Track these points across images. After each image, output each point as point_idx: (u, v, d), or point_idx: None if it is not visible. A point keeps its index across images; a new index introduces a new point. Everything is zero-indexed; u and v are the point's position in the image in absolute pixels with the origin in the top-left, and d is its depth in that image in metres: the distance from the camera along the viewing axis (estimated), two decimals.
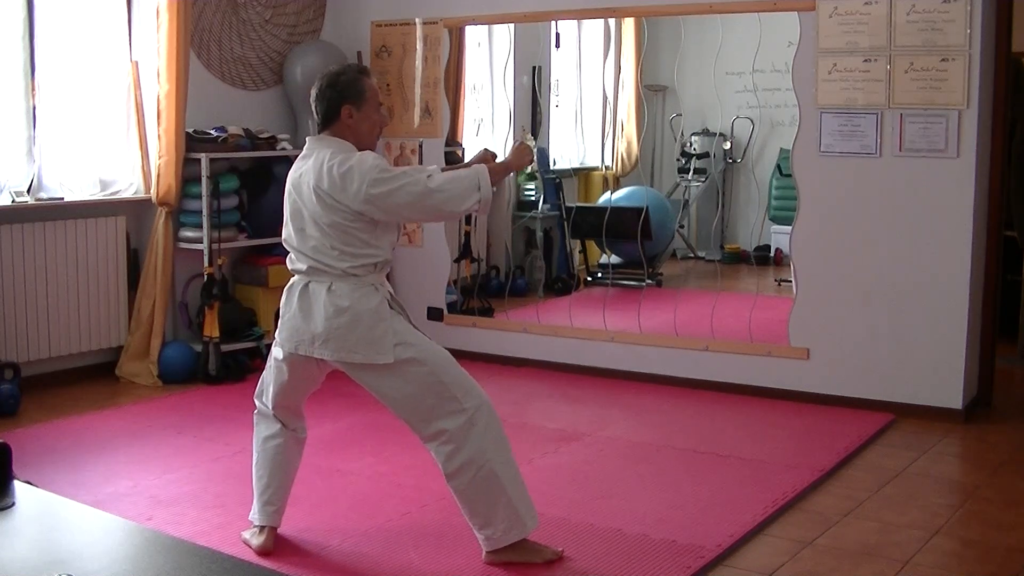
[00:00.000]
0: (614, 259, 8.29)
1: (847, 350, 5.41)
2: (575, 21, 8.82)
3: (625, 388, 5.85)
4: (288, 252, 3.54)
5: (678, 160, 10.01)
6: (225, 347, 6.01)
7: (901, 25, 5.12)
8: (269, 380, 3.62)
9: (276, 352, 3.56)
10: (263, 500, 3.63)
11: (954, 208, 5.11)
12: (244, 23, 6.46)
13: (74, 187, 5.77)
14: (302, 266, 3.44)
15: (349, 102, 3.41)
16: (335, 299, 3.37)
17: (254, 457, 3.69)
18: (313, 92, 3.47)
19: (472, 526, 3.49)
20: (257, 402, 3.72)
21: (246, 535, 3.68)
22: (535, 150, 3.08)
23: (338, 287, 3.38)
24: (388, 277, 3.63)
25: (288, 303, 3.47)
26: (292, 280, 3.51)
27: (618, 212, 7.75)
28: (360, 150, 3.42)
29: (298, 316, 3.42)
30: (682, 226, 9.54)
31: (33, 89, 5.53)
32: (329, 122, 3.45)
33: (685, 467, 4.56)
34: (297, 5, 6.74)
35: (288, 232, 3.50)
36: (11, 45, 5.43)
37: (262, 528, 3.62)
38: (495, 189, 3.52)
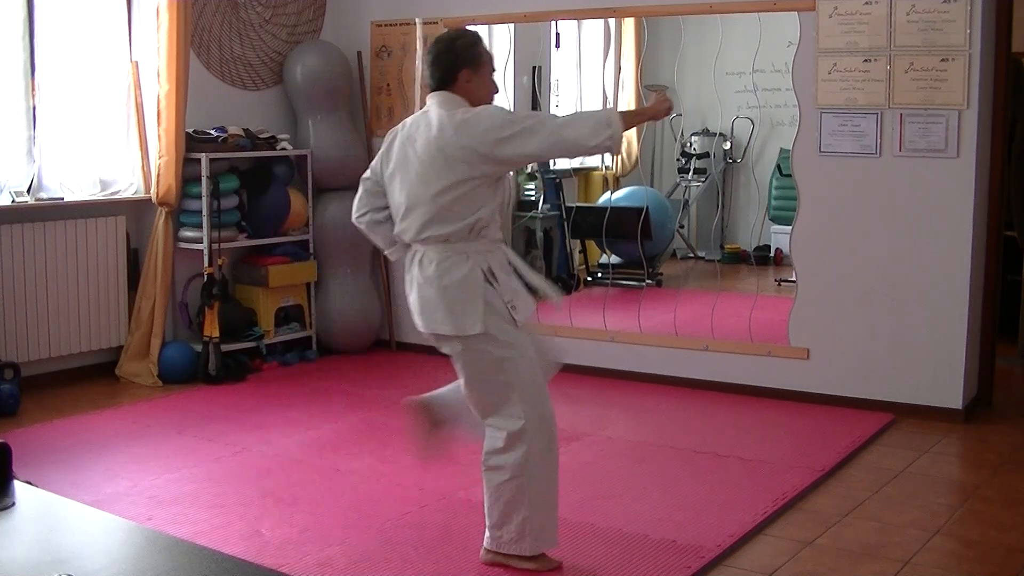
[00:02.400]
0: (614, 259, 8.29)
1: (847, 350, 5.41)
2: (575, 21, 8.81)
3: (625, 388, 5.85)
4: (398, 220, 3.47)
5: (678, 160, 10.01)
6: (225, 347, 6.01)
7: (901, 25, 5.12)
8: None
9: None
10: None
11: (954, 208, 5.11)
12: (244, 23, 6.46)
13: (74, 187, 5.77)
14: (406, 237, 3.42)
15: (467, 66, 3.38)
16: (425, 269, 3.36)
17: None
18: (428, 56, 3.42)
19: (486, 516, 3.47)
20: None
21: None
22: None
23: (430, 255, 3.36)
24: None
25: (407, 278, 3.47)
26: (409, 252, 3.47)
27: (618, 212, 7.75)
28: None
29: (408, 290, 3.44)
30: (682, 226, 9.54)
31: (33, 89, 5.53)
32: (445, 84, 3.39)
33: (685, 467, 4.56)
34: (297, 5, 6.74)
35: (395, 201, 3.45)
36: (11, 45, 5.43)
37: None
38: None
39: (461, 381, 3.44)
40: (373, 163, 3.60)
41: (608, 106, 9.57)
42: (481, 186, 3.33)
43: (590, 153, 3.49)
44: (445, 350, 3.44)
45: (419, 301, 3.40)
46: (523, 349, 3.39)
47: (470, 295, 3.32)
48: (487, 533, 3.49)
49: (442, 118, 3.32)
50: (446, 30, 3.52)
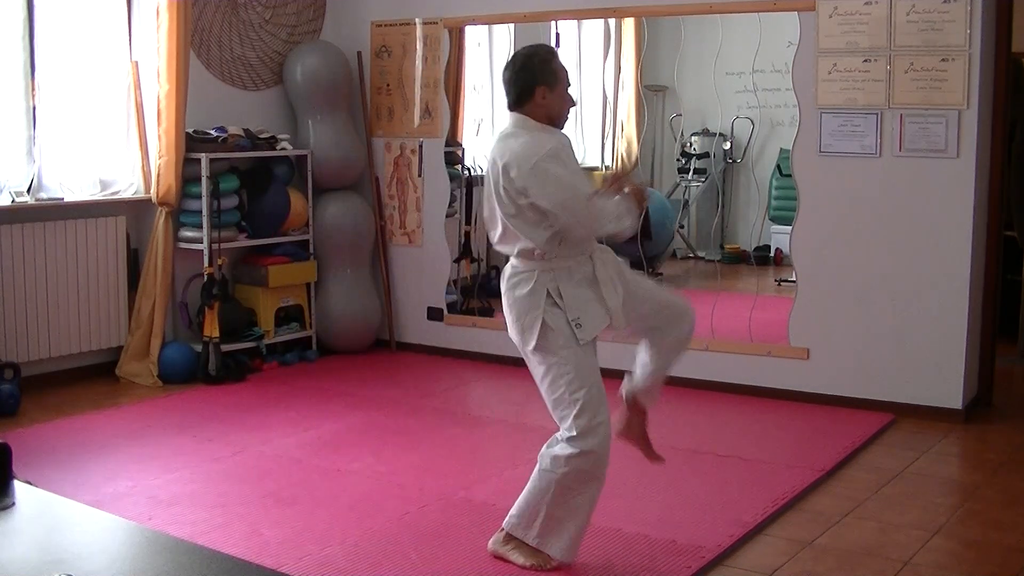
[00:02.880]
0: None
1: (847, 350, 5.41)
2: (575, 21, 8.81)
3: None
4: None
5: (678, 160, 10.01)
6: (225, 347, 6.01)
7: (901, 25, 5.12)
8: None
9: None
10: None
11: (954, 208, 5.11)
12: (244, 23, 6.46)
13: (74, 187, 5.77)
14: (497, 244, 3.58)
15: (544, 84, 3.44)
16: (503, 282, 3.53)
17: None
18: (505, 74, 3.50)
19: (515, 504, 3.51)
20: None
21: None
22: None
23: (506, 269, 3.54)
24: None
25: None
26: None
27: None
28: (550, 127, 3.49)
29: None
30: (682, 226, 9.53)
31: (33, 89, 5.53)
32: (522, 101, 3.46)
33: (685, 467, 4.56)
34: (297, 5, 6.74)
35: (487, 211, 3.58)
36: (11, 45, 5.43)
37: None
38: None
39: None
40: None
41: (607, 115, 9.56)
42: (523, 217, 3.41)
43: (597, 236, 3.57)
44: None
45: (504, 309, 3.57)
46: (579, 366, 3.43)
47: (531, 312, 3.42)
48: (507, 518, 3.52)
49: (503, 147, 3.44)
50: (524, 48, 3.61)
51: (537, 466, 3.48)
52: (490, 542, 3.58)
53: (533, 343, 3.41)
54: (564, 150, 3.45)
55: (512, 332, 3.51)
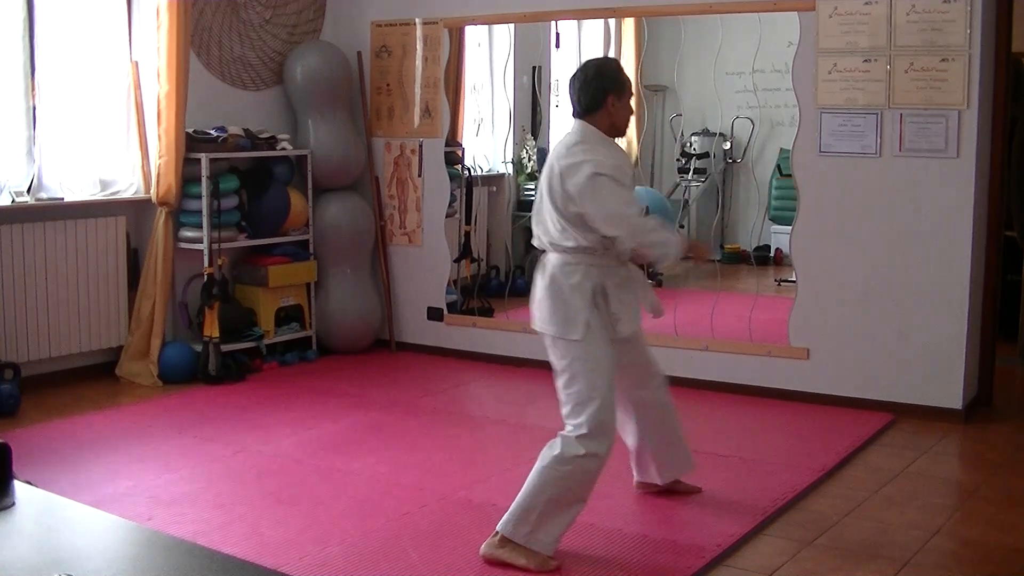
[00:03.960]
0: None
1: (847, 350, 5.41)
2: (575, 21, 8.81)
3: None
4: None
5: (678, 160, 10.01)
6: (225, 347, 6.01)
7: (901, 25, 5.12)
8: None
9: None
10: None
11: (954, 208, 5.11)
12: (244, 23, 6.46)
13: (74, 187, 5.77)
14: (540, 240, 3.68)
15: (614, 92, 3.62)
16: (546, 273, 3.62)
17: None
18: (577, 82, 3.66)
19: (511, 507, 3.53)
20: None
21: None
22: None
23: (552, 260, 3.62)
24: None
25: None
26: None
27: None
28: (613, 135, 3.69)
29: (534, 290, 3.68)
30: (682, 226, 9.53)
31: (33, 89, 5.53)
32: (592, 109, 3.63)
33: None
34: (297, 5, 6.74)
35: (535, 207, 3.73)
36: (11, 45, 5.43)
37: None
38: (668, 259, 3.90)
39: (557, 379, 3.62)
40: None
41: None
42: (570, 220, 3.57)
43: (633, 255, 3.76)
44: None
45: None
46: (604, 364, 3.55)
47: (575, 302, 3.55)
48: (503, 519, 3.52)
49: (563, 152, 3.59)
50: (595, 59, 3.85)
51: (538, 465, 3.51)
52: (483, 546, 3.55)
53: (577, 333, 3.51)
54: (622, 169, 3.63)
55: (546, 321, 3.59)
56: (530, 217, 8.61)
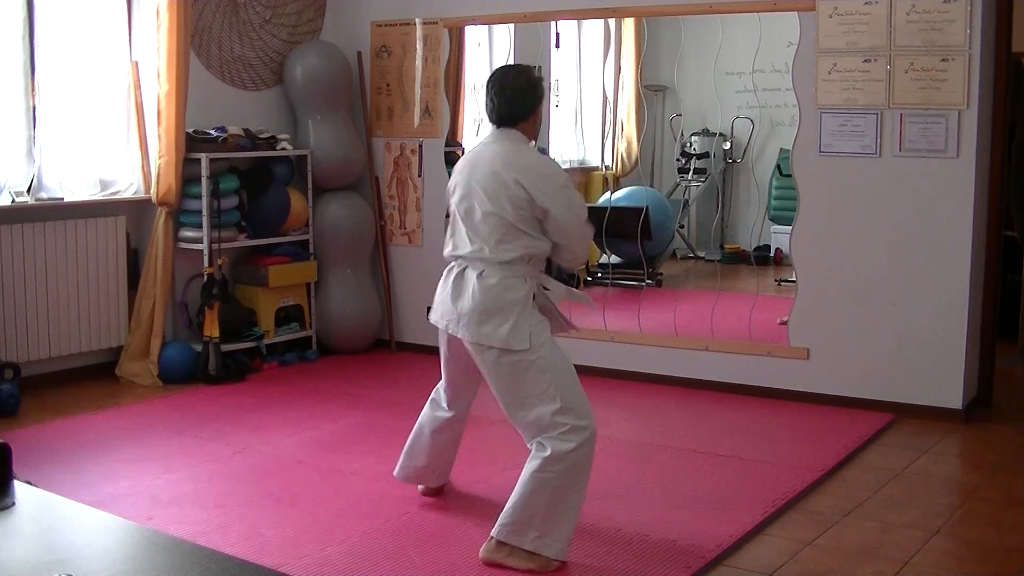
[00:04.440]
0: (614, 259, 8.28)
1: (847, 350, 5.41)
2: (575, 21, 8.82)
3: (625, 388, 5.85)
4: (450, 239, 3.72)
5: (678, 160, 10.01)
6: (225, 347, 6.01)
7: (901, 25, 5.12)
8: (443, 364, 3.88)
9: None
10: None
11: (954, 208, 5.11)
12: (244, 23, 6.46)
13: (74, 187, 5.77)
14: (463, 252, 3.61)
15: (540, 104, 3.71)
16: (484, 283, 3.53)
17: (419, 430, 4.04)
18: (508, 90, 3.65)
19: (504, 513, 3.50)
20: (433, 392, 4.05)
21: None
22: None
23: (489, 272, 3.54)
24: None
25: (444, 285, 3.68)
26: (451, 266, 3.68)
27: (618, 212, 7.75)
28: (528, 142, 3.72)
29: (449, 297, 3.62)
30: (682, 226, 9.53)
31: (33, 89, 5.53)
32: (523, 118, 3.66)
33: (685, 467, 4.56)
34: (297, 5, 6.74)
35: (454, 219, 3.67)
36: (11, 45, 5.43)
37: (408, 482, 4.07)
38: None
39: (500, 393, 3.60)
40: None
41: (607, 115, 9.60)
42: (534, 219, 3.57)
43: (576, 259, 3.80)
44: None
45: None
46: (558, 362, 3.56)
47: (522, 313, 3.52)
48: (497, 525, 3.50)
49: (515, 161, 3.57)
50: (512, 64, 3.94)
51: (526, 473, 3.47)
52: (481, 550, 3.53)
53: (526, 343, 3.47)
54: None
55: (490, 333, 3.49)
56: None
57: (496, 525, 3.50)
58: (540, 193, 3.48)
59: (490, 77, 3.78)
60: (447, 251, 3.69)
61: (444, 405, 3.99)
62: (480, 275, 3.54)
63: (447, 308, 3.61)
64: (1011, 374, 6.20)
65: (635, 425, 5.19)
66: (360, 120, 6.80)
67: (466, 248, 3.59)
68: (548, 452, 3.43)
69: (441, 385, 3.98)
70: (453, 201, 3.68)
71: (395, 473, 4.10)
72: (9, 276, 5.46)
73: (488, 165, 3.58)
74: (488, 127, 3.78)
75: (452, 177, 3.74)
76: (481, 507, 4.03)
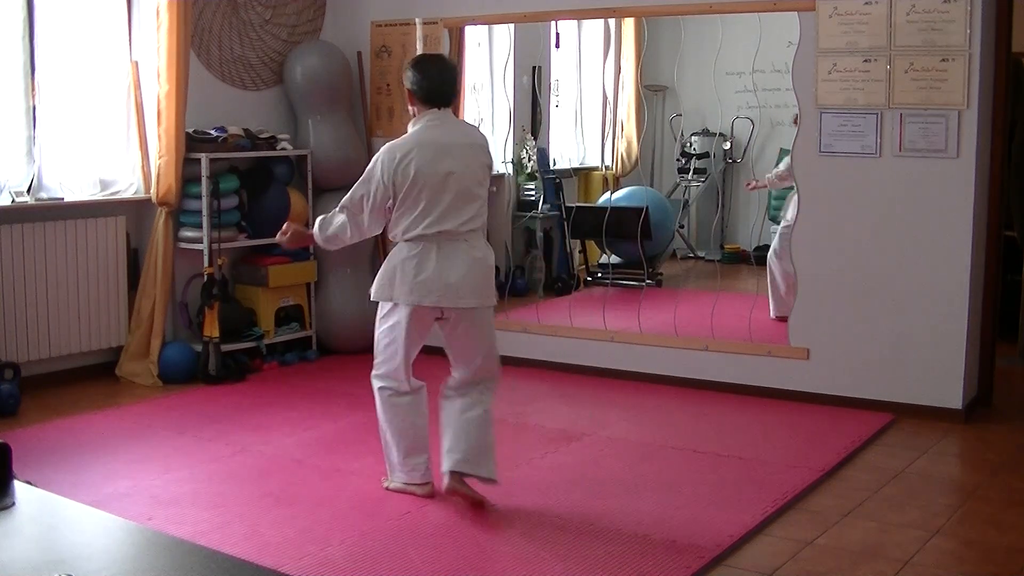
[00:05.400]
0: (614, 259, 8.28)
1: (847, 350, 5.41)
2: (575, 21, 8.82)
3: (625, 388, 5.85)
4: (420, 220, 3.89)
5: (678, 160, 10.01)
6: (225, 347, 6.01)
7: (901, 25, 5.12)
8: (397, 350, 4.01)
9: (399, 315, 3.95)
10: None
11: (954, 208, 5.11)
12: (244, 23, 6.46)
13: (74, 187, 5.77)
14: (464, 225, 3.89)
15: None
16: (475, 254, 3.91)
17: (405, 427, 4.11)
18: (448, 72, 3.99)
19: (456, 451, 3.97)
20: (385, 381, 4.11)
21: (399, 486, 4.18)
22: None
23: (477, 241, 3.96)
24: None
25: (422, 264, 3.85)
26: (422, 245, 3.86)
27: (618, 212, 7.75)
28: None
29: (440, 273, 3.85)
30: (682, 226, 9.53)
31: (33, 89, 5.53)
32: (452, 102, 4.02)
33: (685, 467, 4.56)
34: (297, 5, 6.74)
35: (429, 198, 3.84)
36: (11, 45, 5.43)
37: (424, 484, 4.12)
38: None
39: (485, 340, 4.05)
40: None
41: (607, 115, 9.63)
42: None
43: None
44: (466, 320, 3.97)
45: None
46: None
47: (492, 275, 4.10)
48: (451, 460, 3.96)
49: (480, 141, 4.05)
50: (435, 52, 4.59)
51: (475, 412, 3.99)
52: (444, 486, 3.97)
53: (495, 299, 4.06)
54: None
55: (477, 293, 3.91)
56: (530, 217, 8.68)
57: (453, 462, 3.95)
58: (490, 160, 4.02)
59: (428, 62, 4.02)
60: (419, 230, 3.84)
61: (410, 389, 4.13)
62: (470, 246, 3.90)
63: (436, 285, 3.84)
64: (1011, 374, 6.20)
65: (635, 425, 5.19)
66: (360, 120, 6.80)
67: (454, 222, 3.86)
68: (490, 396, 4.06)
69: (398, 378, 4.08)
70: (425, 182, 3.83)
71: (419, 486, 4.11)
72: (9, 276, 5.46)
73: (461, 143, 3.92)
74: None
75: (405, 158, 3.84)
76: (481, 507, 4.02)
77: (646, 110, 9.21)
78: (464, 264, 3.85)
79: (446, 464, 3.96)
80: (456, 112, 4.37)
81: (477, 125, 8.18)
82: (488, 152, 4.00)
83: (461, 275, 3.84)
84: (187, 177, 6.00)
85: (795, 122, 5.61)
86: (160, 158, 5.89)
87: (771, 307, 6.94)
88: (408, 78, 3.92)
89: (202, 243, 5.99)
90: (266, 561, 3.47)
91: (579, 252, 8.88)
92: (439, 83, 3.88)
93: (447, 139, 3.87)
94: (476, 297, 3.89)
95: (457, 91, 4.15)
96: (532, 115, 8.55)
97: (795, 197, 5.77)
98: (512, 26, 7.03)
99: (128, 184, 6.01)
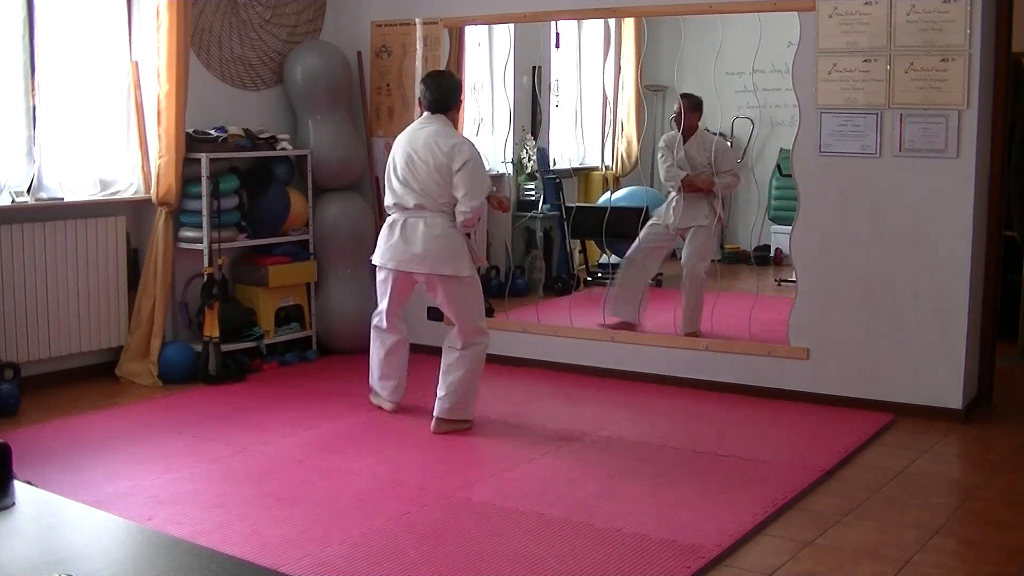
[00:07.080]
0: (614, 259, 8.28)
1: (847, 350, 5.41)
2: (575, 21, 8.80)
3: (625, 388, 5.85)
4: (393, 195, 4.95)
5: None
6: (225, 347, 6.01)
7: (901, 25, 5.12)
8: (383, 297, 5.12)
9: (384, 272, 5.06)
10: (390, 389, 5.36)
11: (954, 208, 5.11)
12: (244, 23, 6.46)
13: (74, 187, 5.77)
14: (409, 203, 4.85)
15: (461, 100, 5.10)
16: (432, 228, 4.82)
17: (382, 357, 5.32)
18: (445, 86, 4.98)
19: (449, 396, 4.93)
20: (376, 318, 5.26)
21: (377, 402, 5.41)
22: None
23: (432, 220, 4.83)
24: None
25: (391, 234, 4.93)
26: (392, 218, 4.96)
27: (618, 212, 7.74)
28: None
29: (400, 242, 4.88)
30: None
31: (33, 89, 5.53)
32: (446, 110, 4.96)
33: (685, 467, 4.56)
34: (297, 5, 6.74)
35: (399, 178, 4.89)
36: (11, 45, 5.43)
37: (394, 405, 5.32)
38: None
39: (454, 308, 4.98)
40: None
41: (607, 115, 9.65)
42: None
43: (476, 211, 4.86)
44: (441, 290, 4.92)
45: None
46: (480, 288, 5.03)
47: (462, 248, 4.89)
48: (445, 405, 4.94)
49: (448, 141, 4.84)
50: (447, 72, 5.46)
51: (461, 363, 4.90)
52: (432, 428, 4.94)
53: (468, 271, 4.86)
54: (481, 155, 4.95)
55: (428, 263, 4.83)
56: (530, 217, 8.68)
57: (441, 409, 4.93)
58: (459, 162, 4.77)
59: (430, 78, 5.05)
60: (390, 205, 4.99)
61: (387, 330, 5.23)
62: (428, 224, 4.81)
63: (397, 252, 4.89)
64: (1011, 374, 6.20)
65: (635, 425, 5.19)
66: (360, 120, 6.80)
67: (412, 202, 4.83)
68: (471, 350, 4.90)
69: (382, 318, 5.19)
70: (398, 166, 4.90)
71: (387, 402, 5.34)
72: (9, 276, 5.46)
73: (424, 139, 4.85)
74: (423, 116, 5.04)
75: (393, 148, 5.00)
76: (481, 507, 4.03)
77: (646, 110, 9.20)
78: (423, 238, 4.81)
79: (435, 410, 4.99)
80: (457, 116, 5.07)
81: (477, 125, 8.25)
82: (450, 154, 4.78)
83: (419, 246, 4.81)
84: (187, 177, 6.00)
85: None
86: (160, 158, 5.89)
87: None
88: (417, 88, 5.18)
89: (202, 243, 5.99)
90: (266, 561, 3.47)
91: (579, 252, 8.87)
92: (435, 96, 4.94)
93: (422, 136, 4.87)
94: (427, 266, 4.83)
95: (452, 103, 4.96)
96: (532, 115, 8.54)
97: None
98: (512, 26, 7.03)
99: (128, 184, 6.01)
